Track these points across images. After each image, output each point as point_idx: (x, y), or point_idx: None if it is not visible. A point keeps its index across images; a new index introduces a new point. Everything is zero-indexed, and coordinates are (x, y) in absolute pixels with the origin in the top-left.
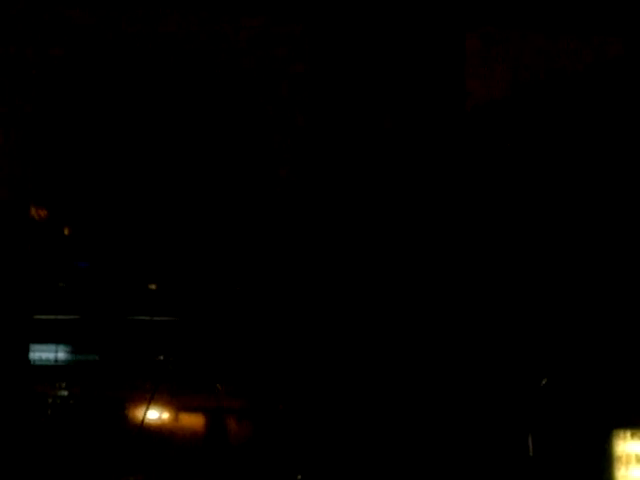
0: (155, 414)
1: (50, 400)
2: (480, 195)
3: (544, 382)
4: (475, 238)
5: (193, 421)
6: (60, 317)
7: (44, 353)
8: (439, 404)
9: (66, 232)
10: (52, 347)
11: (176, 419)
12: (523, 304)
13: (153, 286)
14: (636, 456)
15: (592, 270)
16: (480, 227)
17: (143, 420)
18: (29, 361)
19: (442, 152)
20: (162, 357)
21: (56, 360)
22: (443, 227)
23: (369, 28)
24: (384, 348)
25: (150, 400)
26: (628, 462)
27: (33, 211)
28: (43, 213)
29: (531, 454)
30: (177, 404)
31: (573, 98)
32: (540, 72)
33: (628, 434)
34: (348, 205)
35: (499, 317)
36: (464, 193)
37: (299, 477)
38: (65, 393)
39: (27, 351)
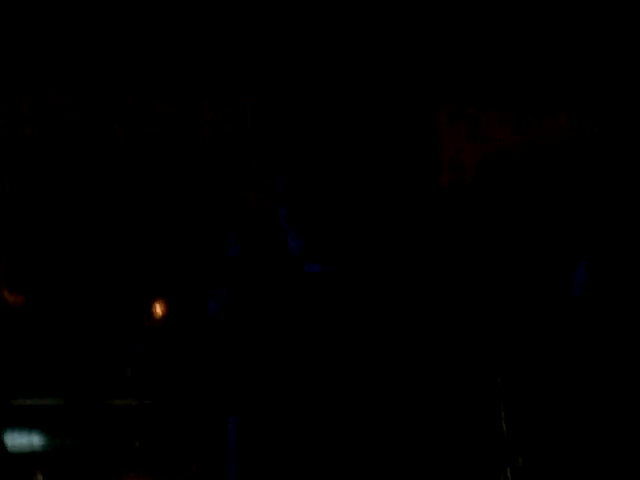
0: None
1: None
2: (458, 268)
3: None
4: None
5: None
6: (36, 402)
7: (19, 439)
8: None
9: (42, 316)
10: (27, 433)
11: None
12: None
13: (128, 372)
14: None
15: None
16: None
17: None
18: (4, 447)
19: (417, 229)
20: (138, 443)
21: (32, 446)
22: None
23: (341, 104)
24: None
25: None
26: None
27: (6, 295)
28: (18, 298)
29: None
30: None
31: (543, 174)
32: (511, 148)
33: None
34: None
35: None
36: (441, 269)
37: None
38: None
39: (2, 437)
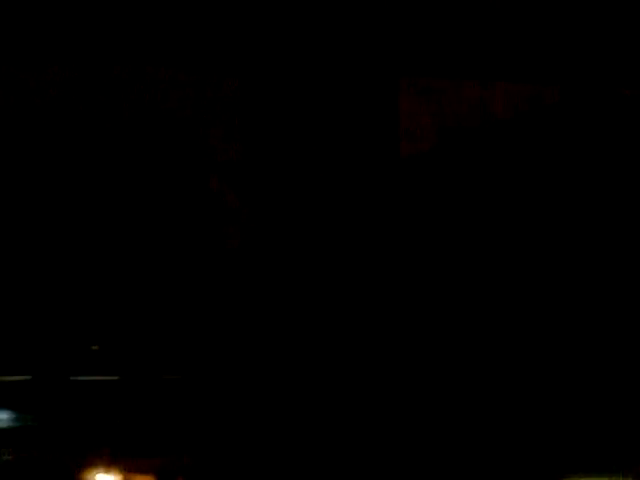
0: (103, 477)
1: None
2: (411, 239)
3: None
4: (405, 281)
5: None
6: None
7: None
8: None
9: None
10: None
11: None
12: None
13: (95, 347)
14: None
15: None
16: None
17: None
18: None
19: (374, 199)
20: (105, 416)
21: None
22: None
23: (304, 76)
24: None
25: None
26: None
27: None
28: None
29: None
30: (124, 466)
31: (502, 146)
32: (470, 119)
33: None
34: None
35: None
36: (394, 240)
37: None
38: (9, 458)
39: None
